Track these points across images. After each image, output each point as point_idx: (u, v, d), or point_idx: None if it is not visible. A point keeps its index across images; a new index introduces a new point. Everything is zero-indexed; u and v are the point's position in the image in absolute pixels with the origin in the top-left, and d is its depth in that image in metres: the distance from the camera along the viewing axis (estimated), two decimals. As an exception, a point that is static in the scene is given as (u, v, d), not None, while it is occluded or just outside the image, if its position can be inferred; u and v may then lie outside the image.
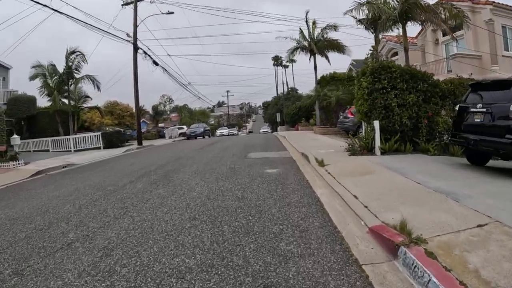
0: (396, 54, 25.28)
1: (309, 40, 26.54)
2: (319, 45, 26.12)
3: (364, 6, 15.32)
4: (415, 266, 2.79)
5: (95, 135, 20.70)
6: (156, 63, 24.97)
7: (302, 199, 5.24)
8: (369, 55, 24.31)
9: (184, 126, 41.68)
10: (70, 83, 23.73)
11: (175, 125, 48.84)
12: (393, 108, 9.02)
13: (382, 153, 8.74)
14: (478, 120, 6.63)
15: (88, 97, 25.39)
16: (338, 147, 10.51)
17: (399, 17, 13.61)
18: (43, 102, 25.89)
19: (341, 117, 17.53)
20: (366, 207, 4.52)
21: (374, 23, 19.63)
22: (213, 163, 9.67)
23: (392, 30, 19.41)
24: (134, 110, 26.21)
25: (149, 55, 23.78)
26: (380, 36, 22.09)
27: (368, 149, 9.01)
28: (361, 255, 3.25)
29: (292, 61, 57.88)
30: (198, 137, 32.43)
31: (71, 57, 22.87)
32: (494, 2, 18.45)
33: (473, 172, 6.50)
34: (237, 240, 3.70)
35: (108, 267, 3.25)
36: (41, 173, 10.84)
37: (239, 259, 3.24)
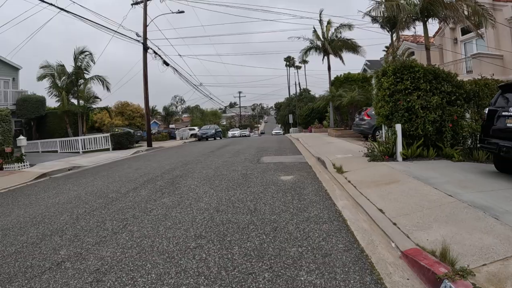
0: (412, 54, 24.45)
1: (323, 40, 25.89)
2: (333, 45, 25.46)
3: (383, 5, 14.62)
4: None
5: (103, 136, 20.34)
6: (166, 63, 24.59)
7: (321, 213, 4.66)
8: (385, 56, 23.56)
9: (196, 127, 41.18)
10: (79, 84, 23.48)
11: (186, 126, 48.51)
12: (416, 110, 8.35)
13: (404, 159, 8.09)
14: (511, 125, 5.98)
15: (97, 97, 25.09)
16: (356, 152, 9.89)
17: (420, 14, 12.87)
18: (52, 102, 25.78)
19: (357, 119, 16.78)
20: (395, 224, 3.97)
21: (390, 22, 18.97)
22: (224, 169, 9.13)
23: (408, 29, 18.73)
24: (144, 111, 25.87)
25: (159, 55, 23.39)
26: (395, 36, 21.34)
27: (389, 155, 8.37)
28: (397, 289, 2.70)
29: (305, 62, 57.59)
30: (209, 139, 31.98)
31: (79, 57, 22.61)
32: (517, -2, 17.55)
33: (504, 181, 5.83)
34: (248, 267, 3.14)
35: (96, 299, 2.74)
36: (45, 176, 10.47)
37: (252, 294, 2.69)
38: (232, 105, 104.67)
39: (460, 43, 21.84)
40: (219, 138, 35.21)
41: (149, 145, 22.09)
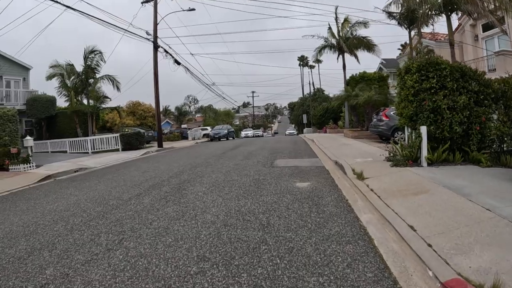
0: (430, 52, 23.55)
1: (338, 38, 25.16)
2: (348, 43, 24.70)
3: (402, -1, 13.89)
4: None
5: (113, 137, 20.00)
6: (178, 62, 24.22)
7: (344, 229, 4.05)
8: (401, 54, 22.73)
9: (208, 127, 40.75)
10: (89, 83, 23.28)
11: (198, 126, 48.21)
12: (442, 111, 7.64)
13: (428, 164, 7.41)
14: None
15: (106, 97, 24.86)
16: (376, 155, 9.21)
17: (443, 7, 12.09)
18: (62, 102, 25.69)
19: (374, 119, 16.01)
20: (430, 245, 3.38)
21: (408, 18, 18.17)
22: (234, 173, 8.57)
23: (427, 26, 17.90)
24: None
25: (170, 54, 23.04)
26: (413, 33, 20.50)
27: (413, 159, 7.69)
28: None
29: (318, 61, 56.81)
30: (221, 139, 31.50)
31: (89, 56, 22.38)
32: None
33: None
34: (259, 304, 2.58)
35: None
36: (50, 178, 10.12)
37: None
38: (245, 105, 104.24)
39: (481, 40, 20.91)
40: (231, 138, 34.67)
41: (160, 145, 21.73)
